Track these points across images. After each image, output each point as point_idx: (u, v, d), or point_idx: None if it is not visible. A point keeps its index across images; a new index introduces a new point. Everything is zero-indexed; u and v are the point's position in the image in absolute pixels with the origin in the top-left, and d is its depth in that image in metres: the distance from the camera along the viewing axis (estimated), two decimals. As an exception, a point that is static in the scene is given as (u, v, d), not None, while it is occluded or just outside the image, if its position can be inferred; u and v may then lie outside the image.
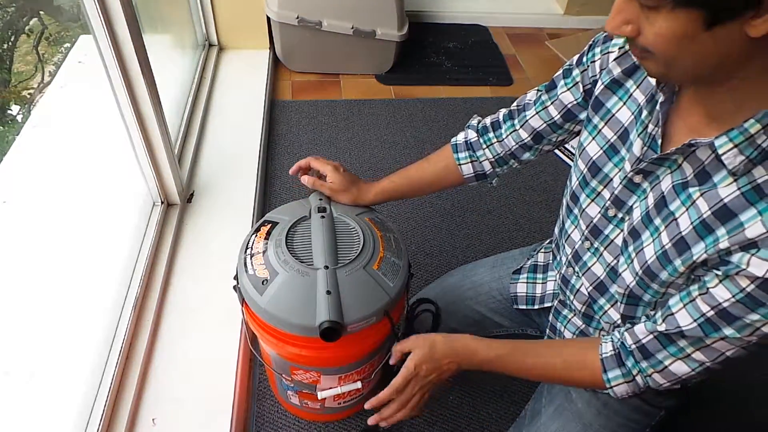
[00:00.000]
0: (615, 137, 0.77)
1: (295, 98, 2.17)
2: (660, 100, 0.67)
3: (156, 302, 1.24)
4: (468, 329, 1.15)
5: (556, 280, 0.98)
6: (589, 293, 0.86)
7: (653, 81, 0.70)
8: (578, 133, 0.86)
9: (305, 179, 0.98)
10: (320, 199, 0.96)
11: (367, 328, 0.87)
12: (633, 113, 0.74)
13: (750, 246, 0.57)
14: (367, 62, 2.29)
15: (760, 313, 0.59)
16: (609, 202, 0.77)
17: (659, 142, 0.68)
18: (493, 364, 0.83)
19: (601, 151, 0.78)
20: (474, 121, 1.01)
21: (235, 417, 1.11)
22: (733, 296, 0.60)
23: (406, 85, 2.31)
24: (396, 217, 1.72)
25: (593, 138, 0.80)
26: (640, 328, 0.72)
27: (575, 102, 0.84)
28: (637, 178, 0.72)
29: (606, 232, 0.79)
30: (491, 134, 0.96)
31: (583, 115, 0.84)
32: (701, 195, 0.63)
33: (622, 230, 0.77)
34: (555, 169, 1.97)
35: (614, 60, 0.76)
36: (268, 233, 0.91)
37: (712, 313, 0.62)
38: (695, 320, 0.64)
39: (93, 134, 1.30)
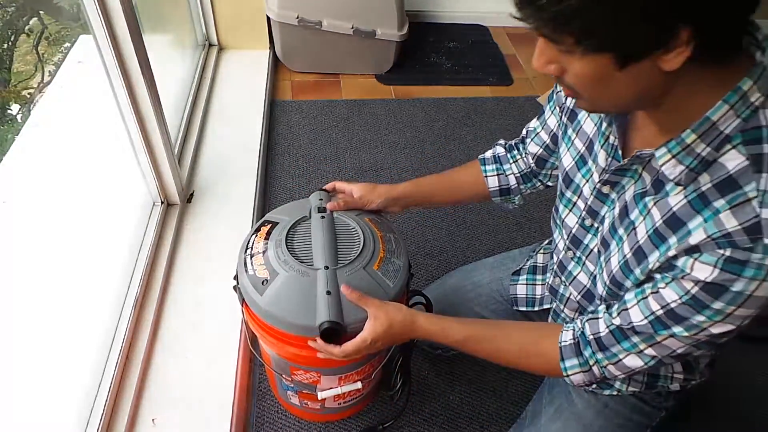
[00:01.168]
0: (584, 148, 0.78)
1: (295, 98, 2.16)
2: (614, 114, 0.68)
3: (156, 302, 1.24)
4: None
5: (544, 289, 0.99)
6: (578, 302, 0.86)
7: None
8: None
9: (332, 205, 0.95)
10: (320, 200, 0.96)
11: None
12: (595, 124, 0.75)
13: (693, 251, 0.58)
14: (367, 62, 2.29)
15: (705, 314, 0.59)
16: (584, 212, 0.78)
17: (620, 152, 0.69)
18: (449, 345, 0.83)
19: (573, 162, 0.80)
20: (502, 141, 1.03)
21: (235, 417, 1.11)
22: (680, 298, 0.60)
23: (406, 85, 2.31)
24: (396, 217, 1.72)
25: (568, 149, 0.81)
26: (599, 320, 0.73)
27: (557, 124, 0.86)
28: (605, 189, 0.73)
29: (585, 241, 0.80)
30: (515, 151, 0.99)
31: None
32: (655, 204, 0.64)
33: (598, 240, 0.77)
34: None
35: None
36: (268, 233, 0.91)
37: (661, 312, 0.63)
38: (646, 317, 0.65)
39: (93, 134, 1.30)
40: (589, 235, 0.79)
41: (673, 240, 0.60)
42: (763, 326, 0.90)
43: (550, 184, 0.98)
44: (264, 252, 0.88)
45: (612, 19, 0.49)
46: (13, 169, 1.11)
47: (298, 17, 2.05)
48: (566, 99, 0.83)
